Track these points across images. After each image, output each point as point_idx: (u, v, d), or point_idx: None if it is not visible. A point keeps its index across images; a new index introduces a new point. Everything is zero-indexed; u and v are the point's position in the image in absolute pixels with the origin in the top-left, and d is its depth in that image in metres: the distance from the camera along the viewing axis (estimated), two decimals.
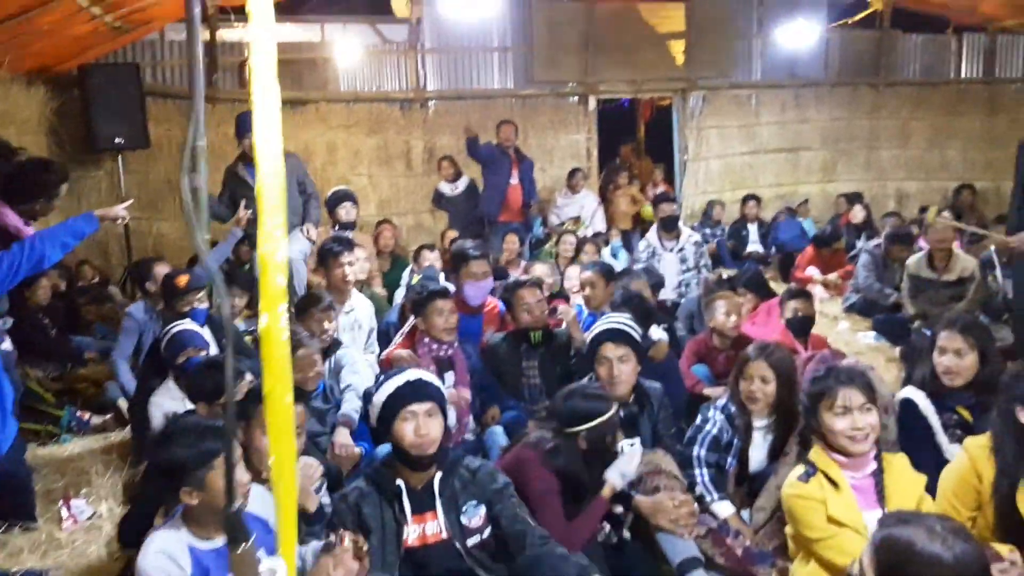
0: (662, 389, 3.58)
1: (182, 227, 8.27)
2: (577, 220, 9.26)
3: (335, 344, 4.08)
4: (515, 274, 6.99)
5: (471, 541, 2.57)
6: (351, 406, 3.78)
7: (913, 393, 3.41)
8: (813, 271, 8.43)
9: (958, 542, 1.58)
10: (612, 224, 9.64)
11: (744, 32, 10.61)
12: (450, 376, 4.03)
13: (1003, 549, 2.51)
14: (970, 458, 2.70)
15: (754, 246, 9.85)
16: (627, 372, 3.39)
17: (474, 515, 2.60)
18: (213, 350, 3.89)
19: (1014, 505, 2.61)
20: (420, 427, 2.52)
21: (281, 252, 1.02)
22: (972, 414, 3.29)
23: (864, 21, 10.79)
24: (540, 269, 6.03)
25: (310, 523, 2.63)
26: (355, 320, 4.55)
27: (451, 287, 4.62)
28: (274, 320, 1.03)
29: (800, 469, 2.65)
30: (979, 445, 2.74)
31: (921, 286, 6.30)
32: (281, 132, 1.06)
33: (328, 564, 2.15)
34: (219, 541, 2.28)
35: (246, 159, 5.44)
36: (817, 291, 8.05)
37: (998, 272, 6.51)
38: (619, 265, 7.64)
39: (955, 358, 3.30)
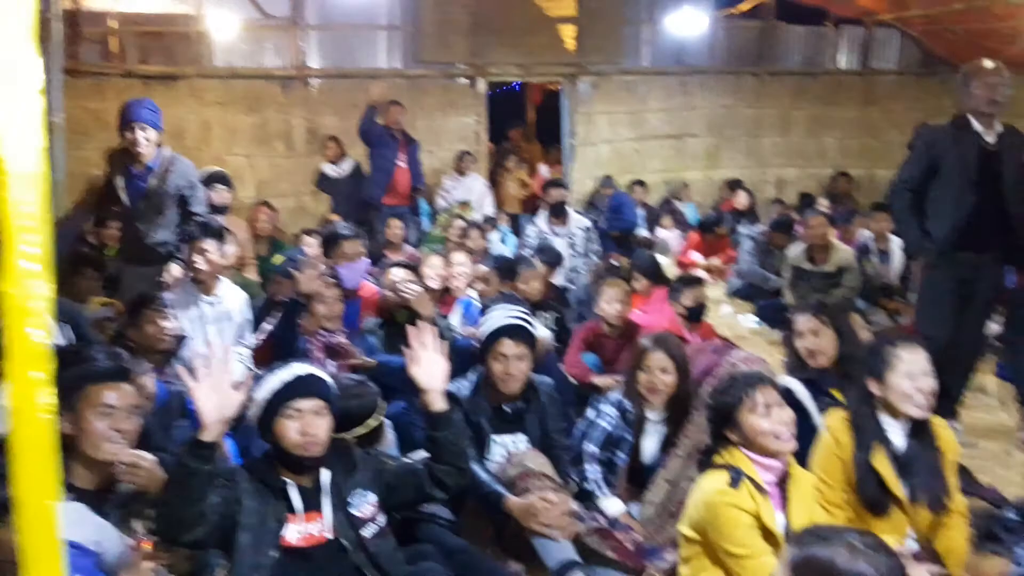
0: (552, 384, 3.46)
1: None
2: (465, 204, 9.11)
3: (180, 342, 3.81)
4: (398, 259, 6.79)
5: (366, 532, 2.40)
6: None
7: (789, 381, 3.43)
8: (696, 256, 8.55)
9: (880, 557, 1.51)
10: (500, 208, 9.52)
11: (634, 18, 10.61)
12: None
13: (890, 541, 2.49)
14: (830, 429, 2.74)
15: (640, 230, 9.92)
16: (522, 370, 3.25)
17: (362, 503, 2.42)
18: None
19: (873, 469, 2.67)
20: (306, 427, 2.33)
21: (37, 295, 0.71)
22: (844, 394, 3.31)
23: (750, 11, 10.97)
24: (435, 262, 5.83)
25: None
26: (224, 311, 4.24)
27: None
28: (25, 394, 0.72)
29: (723, 474, 2.50)
30: (837, 418, 2.80)
31: (801, 276, 6.47)
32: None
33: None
34: None
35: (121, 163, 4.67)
36: (700, 275, 8.17)
37: (874, 258, 6.73)
38: (508, 250, 7.54)
39: (813, 338, 3.49)
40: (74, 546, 2.17)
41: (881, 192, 9.89)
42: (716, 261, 8.44)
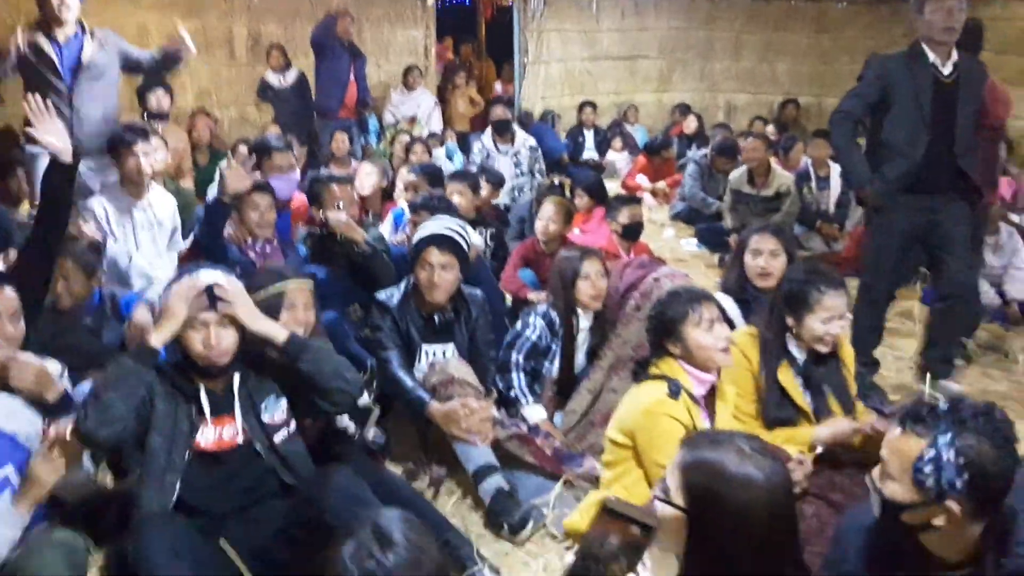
0: (482, 295, 3.48)
1: None
2: (413, 120, 8.99)
3: (98, 248, 3.74)
4: (344, 173, 6.70)
5: (278, 437, 2.42)
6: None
7: (723, 299, 3.48)
8: (642, 179, 8.57)
9: (767, 461, 1.56)
10: (449, 125, 9.41)
11: None
12: None
13: (791, 451, 2.60)
14: (739, 346, 2.78)
15: (590, 153, 9.91)
16: (448, 280, 3.25)
17: (275, 409, 2.44)
18: None
19: (779, 384, 2.77)
20: (210, 337, 2.31)
21: None
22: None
23: None
24: (368, 169, 5.77)
25: (52, 413, 2.38)
26: (153, 217, 4.16)
27: None
28: None
29: (661, 384, 2.55)
30: (746, 334, 2.86)
31: (741, 199, 6.55)
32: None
33: (36, 461, 2.11)
34: None
35: (48, 28, 4.36)
36: (646, 198, 8.22)
37: (813, 184, 6.81)
38: (453, 167, 7.47)
39: (770, 259, 3.44)
40: (8, 437, 2.18)
41: (827, 119, 9.98)
42: (662, 185, 8.48)
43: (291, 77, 8.35)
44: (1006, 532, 1.71)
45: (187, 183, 6.16)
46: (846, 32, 11.30)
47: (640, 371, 2.69)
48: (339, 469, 2.36)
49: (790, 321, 2.78)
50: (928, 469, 1.63)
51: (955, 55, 3.83)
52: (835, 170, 6.78)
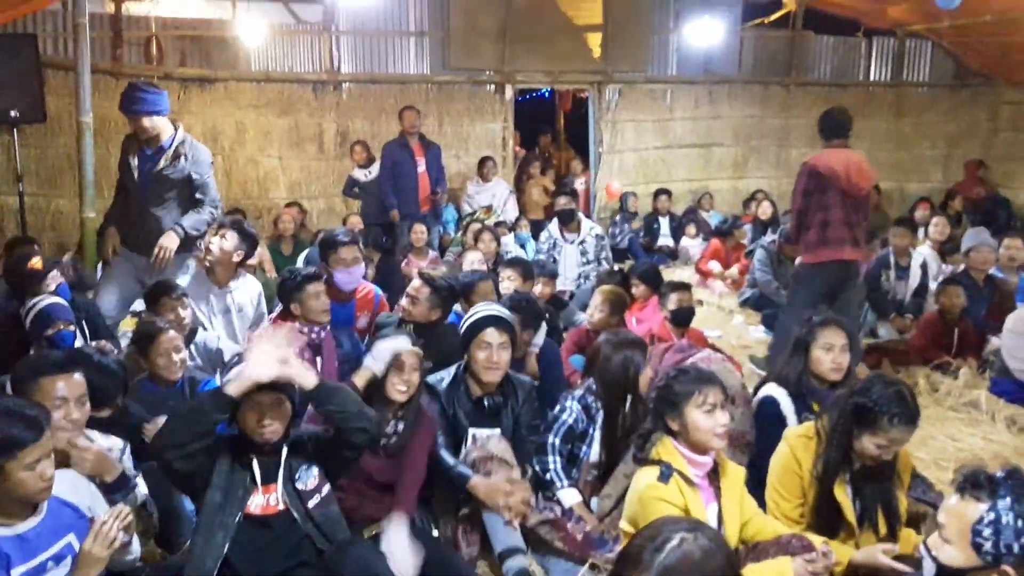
0: (530, 382, 3.61)
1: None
2: (489, 209, 9.28)
3: (192, 333, 4.04)
4: (422, 263, 6.99)
5: (311, 502, 2.65)
6: None
7: (775, 390, 3.45)
8: (715, 265, 8.59)
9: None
10: (524, 214, 9.67)
11: (660, 27, 10.71)
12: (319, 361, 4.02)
13: (816, 540, 2.60)
14: (790, 447, 2.79)
15: (665, 239, 10.00)
16: (506, 360, 3.43)
17: (308, 477, 2.68)
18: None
19: (831, 496, 2.73)
20: (263, 416, 2.58)
21: None
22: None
23: (777, 21, 10.99)
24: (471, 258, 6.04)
25: (112, 492, 2.60)
26: (233, 302, 4.48)
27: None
28: None
29: (655, 470, 2.61)
30: (798, 434, 2.85)
31: None
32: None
33: (89, 538, 2.27)
34: (19, 527, 2.22)
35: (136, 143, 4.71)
36: (715, 285, 8.24)
37: (892, 273, 6.70)
38: (523, 254, 7.70)
39: (841, 354, 3.36)
40: (71, 507, 2.39)
41: (908, 206, 9.86)
42: (733, 270, 8.48)
43: (375, 171, 8.76)
44: None
45: (271, 272, 6.55)
46: (926, 117, 11.23)
47: (640, 444, 2.75)
48: (359, 542, 2.51)
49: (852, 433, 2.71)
50: (987, 532, 1.72)
51: None
52: (916, 259, 6.69)
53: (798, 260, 5.46)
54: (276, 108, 9.58)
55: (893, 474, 2.80)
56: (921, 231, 7.99)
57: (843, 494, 2.73)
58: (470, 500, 3.17)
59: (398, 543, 2.81)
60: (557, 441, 3.42)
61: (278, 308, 4.34)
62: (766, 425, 3.41)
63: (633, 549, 1.64)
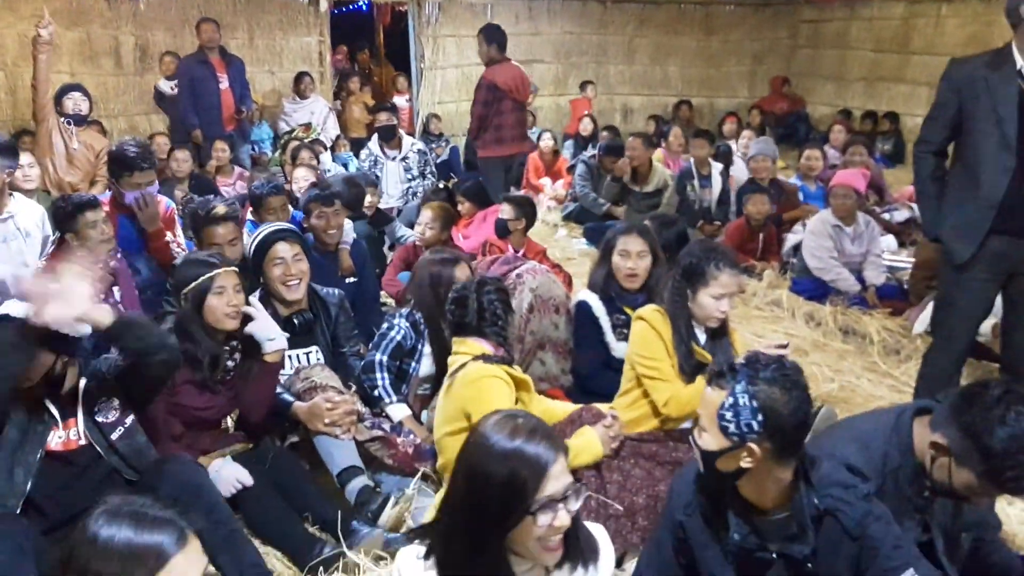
0: (340, 295, 3.53)
1: None
2: (308, 127, 8.95)
3: None
4: (226, 184, 6.65)
5: (114, 435, 2.50)
6: None
7: (587, 295, 3.62)
8: (545, 181, 8.71)
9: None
10: (345, 132, 9.38)
11: None
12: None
13: (603, 408, 2.85)
14: (647, 320, 2.92)
15: None
16: (304, 271, 3.32)
17: (109, 410, 2.52)
18: None
19: (692, 353, 2.90)
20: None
21: None
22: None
23: None
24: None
25: None
26: (17, 227, 4.07)
27: None
28: None
29: (470, 359, 2.76)
30: (651, 310, 2.96)
31: (625, 196, 6.73)
32: None
33: None
34: None
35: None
36: (544, 200, 8.36)
37: (696, 183, 7.03)
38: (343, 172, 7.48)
39: (637, 260, 3.50)
40: None
41: (717, 120, 10.31)
42: (559, 185, 8.61)
43: None
44: (810, 476, 1.89)
45: (97, 191, 6.03)
46: (732, 35, 11.70)
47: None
48: (176, 458, 2.40)
49: (688, 295, 2.89)
50: (729, 415, 1.84)
51: None
52: (716, 168, 7.04)
53: (479, 155, 6.71)
54: (64, 19, 8.65)
55: (729, 341, 3.01)
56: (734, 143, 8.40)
57: (702, 352, 2.91)
58: (297, 427, 3.10)
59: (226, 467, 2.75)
60: (384, 358, 3.38)
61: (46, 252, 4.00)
62: (581, 326, 3.59)
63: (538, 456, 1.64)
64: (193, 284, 2.85)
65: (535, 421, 1.68)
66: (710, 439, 1.88)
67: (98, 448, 2.47)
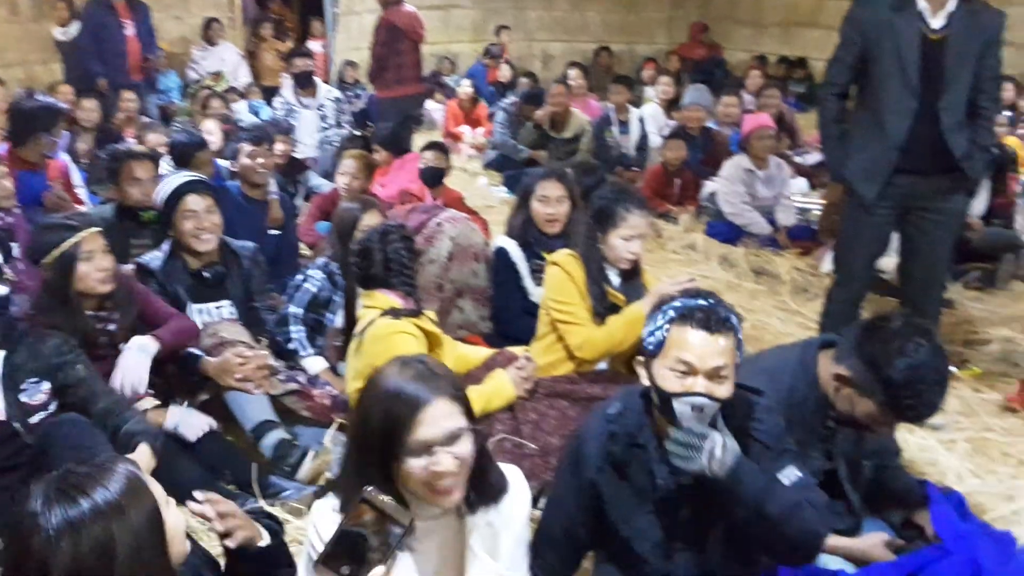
0: (254, 248, 3.45)
1: None
2: (218, 75, 8.65)
3: None
4: (130, 136, 6.39)
5: (34, 419, 2.38)
6: None
7: (505, 241, 3.61)
8: (464, 129, 8.61)
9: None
10: (259, 80, 9.10)
11: None
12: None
13: (518, 351, 2.87)
14: (560, 265, 2.92)
15: None
16: (216, 223, 3.22)
17: (35, 392, 2.40)
18: None
19: (605, 295, 2.93)
20: None
21: None
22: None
23: None
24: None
25: None
26: None
27: None
28: None
29: (377, 314, 2.70)
30: (564, 254, 2.97)
31: (544, 143, 6.72)
32: None
33: None
34: None
35: None
36: (464, 148, 8.28)
37: (615, 129, 7.05)
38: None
39: (556, 205, 3.50)
40: None
41: (637, 66, 10.32)
42: (480, 133, 8.53)
43: (74, 30, 7.81)
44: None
45: None
46: None
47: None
48: (70, 417, 2.33)
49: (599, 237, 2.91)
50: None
51: (952, 3, 3.09)
52: (634, 114, 7.06)
53: (379, 95, 7.12)
54: None
55: (640, 274, 3.06)
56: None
57: (616, 294, 2.94)
58: (207, 384, 3.01)
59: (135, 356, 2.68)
60: (299, 310, 3.32)
61: None
62: (499, 273, 3.59)
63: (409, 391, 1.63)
64: (57, 251, 2.68)
65: (426, 367, 1.67)
66: (729, 387, 1.85)
67: (16, 425, 2.36)
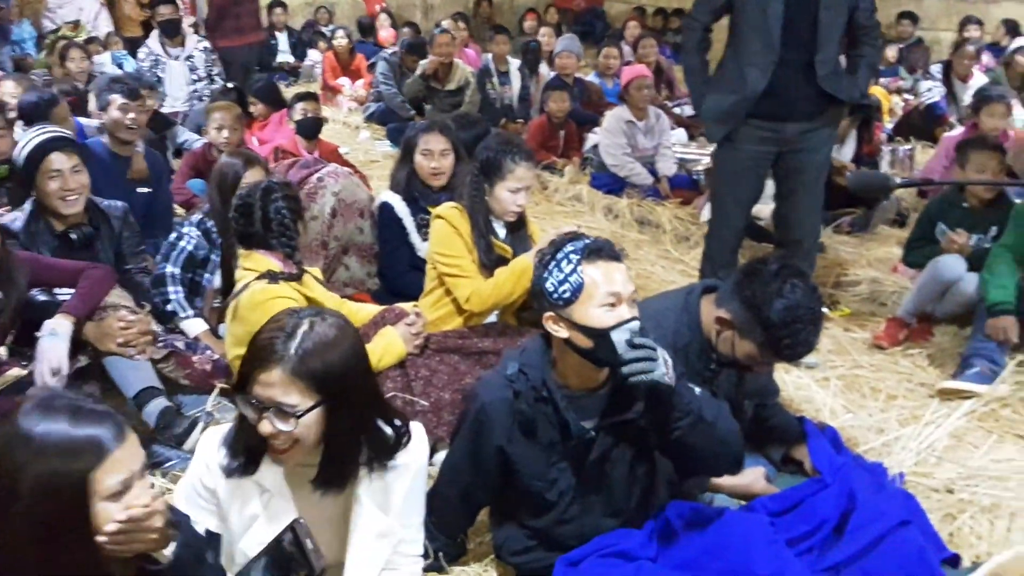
0: (124, 207, 3.27)
1: None
2: (76, 25, 8.12)
3: None
4: None
5: None
6: None
7: (389, 196, 3.56)
8: (344, 81, 8.38)
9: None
10: (120, 30, 8.57)
11: None
12: None
13: (407, 307, 2.85)
14: (445, 218, 2.89)
15: (284, 56, 9.51)
16: (84, 183, 3.03)
17: None
18: None
19: (493, 249, 2.92)
20: None
21: None
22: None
23: None
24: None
25: None
26: None
27: None
28: None
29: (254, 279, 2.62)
30: (448, 207, 2.95)
31: (428, 94, 6.61)
32: None
33: None
34: None
35: None
36: (343, 101, 8.07)
37: (495, 80, 6.99)
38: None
39: (441, 158, 3.47)
40: None
41: (519, 17, 10.26)
42: (360, 85, 8.31)
43: None
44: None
45: None
46: None
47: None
48: None
49: (483, 189, 2.88)
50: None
51: None
52: (514, 64, 7.02)
53: (219, 45, 6.78)
54: None
55: (526, 225, 3.08)
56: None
57: (502, 245, 2.94)
58: (85, 348, 2.84)
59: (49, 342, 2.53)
60: (176, 270, 3.18)
61: None
62: (385, 228, 3.55)
63: (263, 342, 1.62)
64: None
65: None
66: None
67: None
